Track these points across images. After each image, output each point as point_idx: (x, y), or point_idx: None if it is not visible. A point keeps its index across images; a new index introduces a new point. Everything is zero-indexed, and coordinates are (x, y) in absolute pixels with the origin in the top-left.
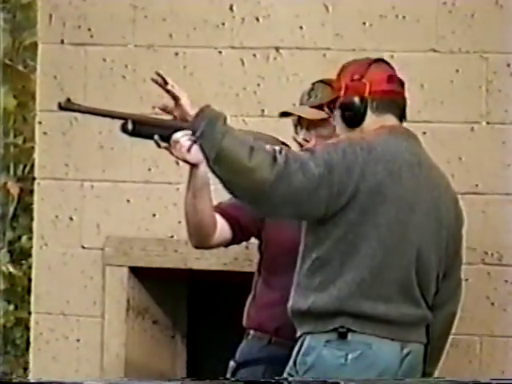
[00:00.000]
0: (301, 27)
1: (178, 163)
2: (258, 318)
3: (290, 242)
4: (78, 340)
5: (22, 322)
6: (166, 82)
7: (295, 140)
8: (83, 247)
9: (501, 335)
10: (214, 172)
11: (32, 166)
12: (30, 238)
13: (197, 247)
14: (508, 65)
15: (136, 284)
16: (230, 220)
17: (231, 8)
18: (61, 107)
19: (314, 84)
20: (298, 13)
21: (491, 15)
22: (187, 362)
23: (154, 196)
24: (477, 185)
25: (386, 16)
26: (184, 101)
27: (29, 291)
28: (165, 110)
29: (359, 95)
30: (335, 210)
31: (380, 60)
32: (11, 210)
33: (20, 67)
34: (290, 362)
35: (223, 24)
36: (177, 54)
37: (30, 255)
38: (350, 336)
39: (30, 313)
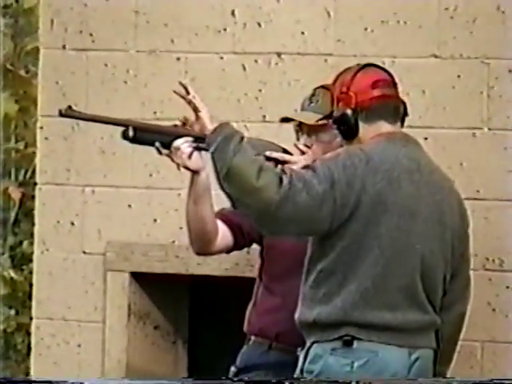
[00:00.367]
0: (302, 33)
1: (179, 169)
2: (259, 323)
3: (291, 248)
4: (79, 345)
5: (23, 327)
6: (188, 93)
7: (296, 146)
8: (84, 252)
9: (502, 341)
10: (223, 190)
11: (33, 171)
12: (32, 243)
13: (199, 254)
14: (510, 70)
15: (137, 289)
16: (231, 226)
17: (233, 13)
18: (62, 114)
19: (315, 89)
20: (299, 18)
21: (493, 21)
22: (188, 368)
23: (155, 201)
24: (478, 190)
25: (387, 22)
26: (203, 114)
27: (30, 296)
28: (186, 123)
29: (349, 108)
30: (339, 223)
31: (368, 65)
32: (13, 215)
33: (22, 72)
34: (297, 370)
35: (225, 29)
36: (178, 59)
37: (31, 260)
38: (356, 344)
39: (31, 318)
